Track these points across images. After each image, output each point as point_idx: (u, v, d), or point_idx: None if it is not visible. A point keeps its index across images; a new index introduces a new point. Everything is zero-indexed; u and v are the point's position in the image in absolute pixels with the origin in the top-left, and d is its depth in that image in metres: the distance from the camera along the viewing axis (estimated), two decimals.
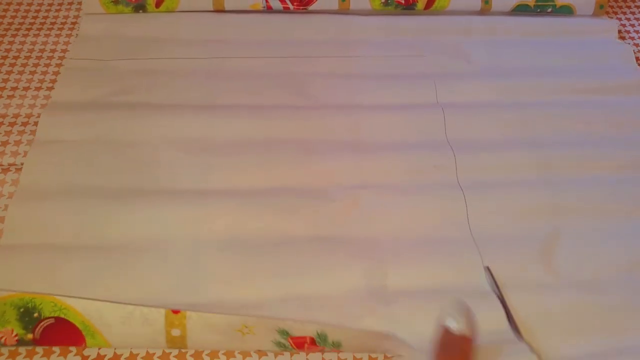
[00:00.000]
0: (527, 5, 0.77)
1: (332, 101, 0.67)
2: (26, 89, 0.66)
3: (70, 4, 0.77)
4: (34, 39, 0.72)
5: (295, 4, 0.74)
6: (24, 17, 0.76)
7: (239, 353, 0.47)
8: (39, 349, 0.47)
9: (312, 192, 0.58)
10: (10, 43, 0.72)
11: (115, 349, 0.47)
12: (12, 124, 0.63)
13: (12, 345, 0.47)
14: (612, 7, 0.83)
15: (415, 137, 0.64)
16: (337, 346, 0.47)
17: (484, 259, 0.53)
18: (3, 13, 0.76)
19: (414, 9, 0.76)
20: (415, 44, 0.74)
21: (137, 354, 0.47)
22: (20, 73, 0.68)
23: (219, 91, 0.66)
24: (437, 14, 0.77)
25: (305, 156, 0.61)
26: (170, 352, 0.47)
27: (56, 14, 0.76)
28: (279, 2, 0.74)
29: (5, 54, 0.71)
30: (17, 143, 0.61)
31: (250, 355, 0.47)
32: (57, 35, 0.73)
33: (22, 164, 0.59)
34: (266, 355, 0.47)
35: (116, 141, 0.60)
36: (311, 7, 0.75)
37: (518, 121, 0.66)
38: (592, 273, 0.53)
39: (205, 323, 0.46)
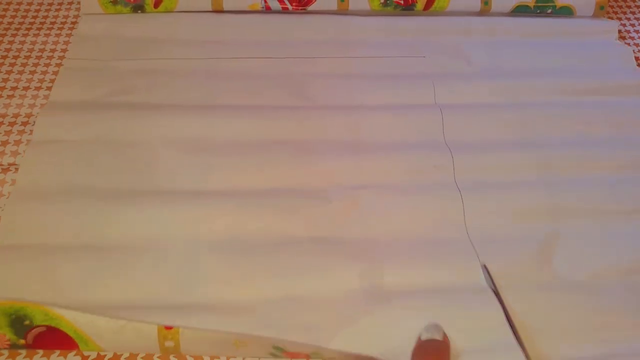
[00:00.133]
0: (527, 6, 0.76)
1: (331, 101, 0.67)
2: (26, 88, 0.66)
3: (70, 3, 0.77)
4: (34, 39, 0.72)
5: (294, 4, 0.74)
6: (24, 17, 0.75)
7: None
8: (39, 350, 0.47)
9: (311, 193, 0.58)
10: (10, 43, 0.72)
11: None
12: (12, 124, 0.63)
13: (4, 349, 0.47)
14: (612, 7, 0.82)
15: (415, 137, 0.63)
16: None
17: (481, 259, 0.53)
18: (3, 13, 0.76)
19: (413, 10, 0.76)
20: (415, 44, 0.74)
21: (137, 354, 0.47)
22: (20, 73, 0.68)
23: (218, 91, 0.66)
24: (436, 14, 0.76)
25: (304, 156, 0.61)
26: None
27: (56, 13, 0.76)
28: (278, 3, 0.74)
29: (5, 53, 0.70)
30: (17, 143, 0.61)
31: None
32: (57, 35, 0.73)
33: None
34: None
35: (115, 141, 0.60)
36: (310, 8, 0.75)
37: (517, 122, 0.65)
38: (592, 274, 0.53)
39: (199, 337, 0.46)
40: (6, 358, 0.46)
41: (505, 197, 0.58)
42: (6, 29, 0.73)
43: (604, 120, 0.66)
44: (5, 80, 0.67)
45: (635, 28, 0.80)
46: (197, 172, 0.58)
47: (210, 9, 0.74)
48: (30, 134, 0.61)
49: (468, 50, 0.73)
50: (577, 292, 0.52)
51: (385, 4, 0.75)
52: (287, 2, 0.74)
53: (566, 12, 0.77)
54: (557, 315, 0.50)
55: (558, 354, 0.48)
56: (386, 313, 0.49)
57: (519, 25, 0.77)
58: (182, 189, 0.57)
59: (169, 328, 0.46)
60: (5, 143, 0.61)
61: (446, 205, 0.57)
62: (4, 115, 0.63)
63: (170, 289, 0.50)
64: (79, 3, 0.74)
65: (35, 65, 0.69)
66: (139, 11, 0.74)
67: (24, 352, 0.47)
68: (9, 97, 0.65)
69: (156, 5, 0.74)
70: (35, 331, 0.46)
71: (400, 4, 0.75)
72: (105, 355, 0.47)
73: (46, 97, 0.65)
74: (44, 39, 0.72)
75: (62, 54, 0.71)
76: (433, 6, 0.76)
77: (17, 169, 0.58)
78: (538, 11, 0.77)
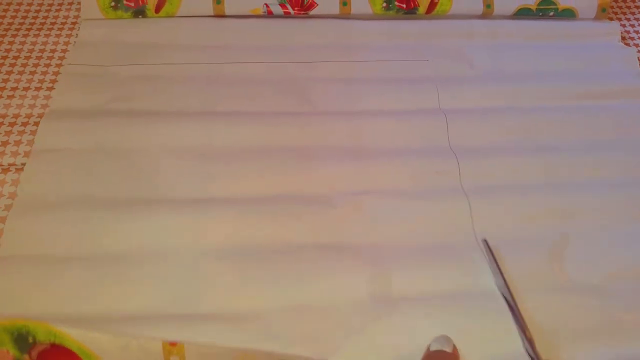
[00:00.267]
0: (529, 8, 0.76)
1: (333, 107, 0.66)
2: (26, 89, 0.66)
3: (70, 4, 0.77)
4: (34, 39, 0.72)
5: (296, 8, 0.74)
6: (24, 17, 0.75)
7: None
8: None
9: (314, 199, 0.57)
10: (10, 43, 0.71)
11: None
12: (12, 124, 0.62)
13: None
14: (612, 8, 0.82)
15: (418, 142, 0.63)
16: None
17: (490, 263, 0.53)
18: (3, 13, 0.75)
19: (415, 14, 0.75)
20: (417, 48, 0.73)
21: None
22: (20, 73, 0.68)
23: (219, 97, 0.66)
24: (438, 18, 0.76)
25: (306, 162, 0.60)
26: None
27: (56, 14, 0.76)
28: (280, 7, 0.74)
29: (5, 54, 0.70)
30: (17, 143, 0.60)
31: None
32: (57, 36, 0.72)
33: (22, 164, 0.58)
34: None
35: (115, 149, 0.60)
36: (312, 12, 0.74)
37: (521, 125, 0.65)
38: (605, 277, 0.53)
39: (204, 352, 0.46)
40: None
41: (513, 200, 0.58)
42: (6, 30, 0.73)
43: (608, 124, 0.66)
44: (6, 80, 0.67)
45: (635, 29, 0.79)
46: (198, 179, 0.58)
47: (212, 14, 0.74)
48: (30, 134, 0.61)
49: (470, 54, 0.73)
50: (591, 295, 0.52)
51: (387, 8, 0.75)
52: (289, 7, 0.74)
53: (568, 14, 0.77)
54: (571, 317, 0.50)
55: (572, 356, 0.47)
56: (394, 321, 0.49)
57: (522, 28, 0.76)
58: (182, 197, 0.57)
59: (173, 344, 0.46)
60: (5, 143, 0.61)
61: (453, 210, 0.57)
62: (4, 116, 0.63)
63: (172, 299, 0.50)
64: (79, 4, 0.74)
65: (36, 65, 0.69)
66: (140, 16, 0.73)
67: None
68: (9, 97, 0.65)
69: (157, 10, 0.73)
70: (39, 347, 0.46)
71: (403, 7, 0.75)
72: None
73: (46, 97, 0.65)
74: (44, 39, 0.72)
75: (62, 54, 0.70)
76: (435, 10, 0.75)
77: (17, 169, 0.58)
78: (540, 14, 0.77)
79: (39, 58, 0.70)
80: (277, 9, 0.74)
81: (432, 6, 0.75)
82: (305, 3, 0.74)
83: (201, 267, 0.52)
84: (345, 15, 0.75)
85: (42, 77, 0.67)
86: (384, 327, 0.48)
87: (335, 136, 0.63)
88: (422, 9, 0.75)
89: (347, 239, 0.55)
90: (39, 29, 0.73)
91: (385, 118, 0.65)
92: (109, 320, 0.48)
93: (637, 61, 0.74)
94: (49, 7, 0.77)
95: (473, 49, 0.74)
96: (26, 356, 0.46)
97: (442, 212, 0.57)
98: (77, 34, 0.72)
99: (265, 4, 0.74)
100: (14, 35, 0.73)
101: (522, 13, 0.76)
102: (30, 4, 0.77)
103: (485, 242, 0.54)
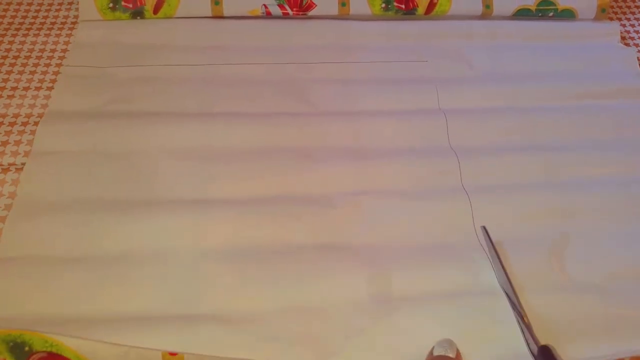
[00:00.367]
0: (529, 9, 0.76)
1: (332, 107, 0.66)
2: (26, 89, 0.66)
3: (70, 4, 0.77)
4: (34, 39, 0.72)
5: (294, 9, 0.74)
6: (24, 17, 0.75)
7: None
8: None
9: (313, 200, 0.57)
10: (10, 43, 0.71)
11: None
12: (12, 124, 0.62)
13: None
14: (614, 9, 0.82)
15: (418, 143, 0.63)
16: None
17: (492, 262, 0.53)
18: (3, 13, 0.75)
19: (414, 14, 0.75)
20: (416, 49, 0.73)
21: None
22: (20, 73, 0.68)
23: (218, 98, 0.66)
24: (437, 18, 0.76)
25: (306, 163, 0.60)
26: None
27: (56, 14, 0.76)
28: (278, 8, 0.74)
29: (5, 54, 0.70)
30: (17, 143, 0.60)
31: None
32: (57, 36, 0.72)
33: (22, 164, 0.58)
34: None
35: (113, 151, 0.60)
36: (311, 13, 0.74)
37: (521, 125, 0.65)
38: (603, 276, 0.53)
39: None
40: None
41: (513, 200, 0.58)
42: (6, 29, 0.73)
43: (608, 123, 0.66)
44: (6, 80, 0.67)
45: (635, 29, 0.79)
46: (197, 180, 0.58)
47: (210, 15, 0.74)
48: (30, 134, 0.61)
49: (470, 54, 0.73)
50: (591, 294, 0.51)
51: (386, 9, 0.75)
52: (287, 7, 0.74)
53: (568, 15, 0.77)
54: (571, 317, 0.50)
55: (574, 352, 0.47)
56: (394, 321, 0.49)
57: (521, 28, 0.76)
58: (182, 198, 0.56)
59: (173, 354, 0.45)
60: (5, 143, 0.60)
61: (454, 210, 0.57)
62: (4, 116, 0.63)
63: (172, 300, 0.49)
64: (78, 3, 0.74)
65: (36, 65, 0.69)
66: (138, 17, 0.73)
67: None
68: (9, 97, 0.65)
69: (155, 11, 0.73)
70: (35, 357, 0.45)
71: (402, 8, 0.75)
72: None
73: (46, 97, 0.65)
74: (44, 39, 0.72)
75: (62, 54, 0.70)
76: (434, 10, 0.75)
77: (17, 169, 0.58)
78: (540, 14, 0.76)
79: (39, 58, 0.70)
80: (275, 10, 0.74)
81: (431, 7, 0.75)
82: (303, 4, 0.74)
83: (201, 268, 0.51)
84: (344, 16, 0.75)
85: (42, 76, 0.67)
86: (384, 328, 0.48)
87: (334, 137, 0.63)
88: (421, 10, 0.75)
89: (347, 239, 0.55)
90: (39, 29, 0.73)
91: (385, 118, 0.65)
92: (109, 321, 0.47)
93: (637, 61, 0.74)
94: (48, 7, 0.77)
95: (472, 50, 0.74)
96: None
97: (442, 212, 0.57)
98: (75, 40, 0.72)
99: (264, 5, 0.73)
100: (14, 35, 0.72)
101: (522, 13, 0.76)
102: (30, 4, 0.77)
103: (484, 228, 0.54)
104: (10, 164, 0.59)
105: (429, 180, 0.60)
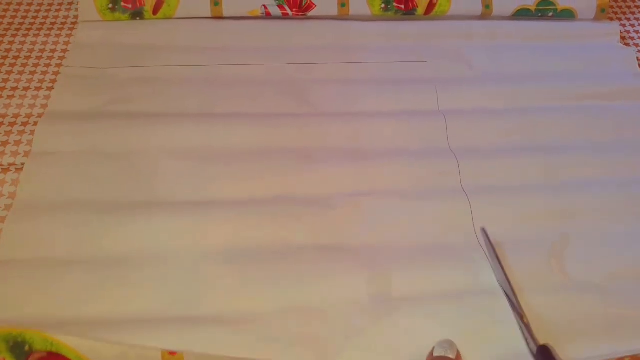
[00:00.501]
0: (528, 9, 0.76)
1: (332, 108, 0.66)
2: (26, 89, 0.66)
3: (70, 4, 0.77)
4: (34, 39, 0.72)
5: (294, 10, 0.74)
6: (24, 17, 0.75)
7: None
8: None
9: (313, 200, 0.57)
10: (10, 43, 0.71)
11: None
12: (12, 124, 0.62)
13: None
14: (613, 9, 0.82)
15: (418, 143, 0.63)
16: None
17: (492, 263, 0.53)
18: (3, 13, 0.75)
19: (414, 14, 0.75)
20: (416, 49, 0.73)
21: None
22: (20, 73, 0.68)
23: (218, 99, 0.66)
24: (437, 19, 0.76)
25: (306, 164, 0.60)
26: None
27: (56, 14, 0.76)
28: (278, 8, 0.74)
29: (5, 54, 0.70)
30: (17, 143, 0.60)
31: None
32: (57, 36, 0.72)
33: (22, 164, 0.58)
34: None
35: (114, 151, 0.60)
36: (310, 13, 0.74)
37: (521, 126, 0.65)
38: (603, 277, 0.53)
39: None
40: None
41: (514, 200, 0.58)
42: (6, 30, 0.73)
43: (608, 124, 0.66)
44: (6, 80, 0.67)
45: (635, 29, 0.79)
46: (197, 181, 0.58)
47: (210, 15, 0.74)
48: (30, 134, 0.61)
49: (469, 55, 0.73)
50: (591, 295, 0.51)
51: (386, 9, 0.75)
52: (287, 8, 0.74)
53: (567, 15, 0.77)
54: (571, 317, 0.50)
55: (574, 352, 0.47)
56: (394, 321, 0.49)
57: (521, 29, 0.76)
58: (182, 199, 0.56)
59: (172, 354, 0.45)
60: (5, 143, 0.60)
61: (453, 210, 0.57)
62: (4, 116, 0.63)
63: (172, 301, 0.49)
64: (78, 4, 0.74)
65: (36, 65, 0.69)
66: (138, 18, 0.73)
67: None
68: (9, 97, 0.65)
69: (155, 12, 0.73)
70: (35, 356, 0.45)
71: (401, 8, 0.75)
72: None
73: (46, 97, 0.65)
74: (44, 39, 0.72)
75: (62, 54, 0.70)
76: (434, 10, 0.75)
77: (17, 169, 0.58)
78: (539, 14, 0.77)
79: (39, 58, 0.70)
80: (275, 10, 0.74)
81: (430, 7, 0.75)
82: (303, 4, 0.74)
83: (201, 269, 0.51)
84: (343, 16, 0.75)
85: (42, 77, 0.67)
86: (384, 328, 0.48)
87: (334, 137, 0.63)
88: (420, 10, 0.75)
89: (347, 240, 0.55)
90: (39, 29, 0.73)
91: (385, 119, 0.65)
92: (109, 323, 0.47)
93: (637, 61, 0.74)
94: (48, 7, 0.77)
95: (472, 50, 0.74)
96: None
97: (442, 212, 0.57)
98: (74, 41, 0.72)
99: (264, 5, 0.73)
100: (14, 35, 0.72)
101: (521, 14, 0.76)
102: (30, 4, 0.77)
103: (484, 230, 0.54)
104: (10, 164, 0.59)
105: (429, 180, 0.60)
